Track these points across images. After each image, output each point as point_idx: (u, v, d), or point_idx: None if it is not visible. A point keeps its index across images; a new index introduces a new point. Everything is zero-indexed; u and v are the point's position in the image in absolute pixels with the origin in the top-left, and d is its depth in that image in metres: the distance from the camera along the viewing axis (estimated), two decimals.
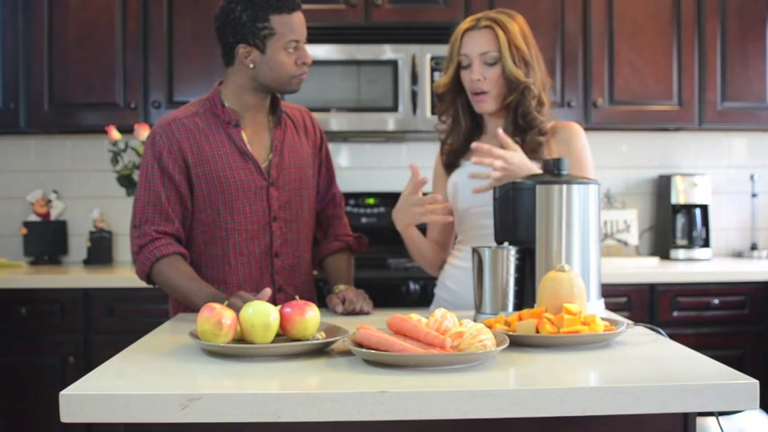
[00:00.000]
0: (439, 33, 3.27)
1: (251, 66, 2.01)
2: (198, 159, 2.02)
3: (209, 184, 2.03)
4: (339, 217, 2.28)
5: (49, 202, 3.65)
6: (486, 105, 2.09)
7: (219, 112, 2.06)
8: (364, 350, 1.38)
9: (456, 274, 2.17)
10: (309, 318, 1.52)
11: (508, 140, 1.92)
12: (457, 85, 2.13)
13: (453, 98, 2.15)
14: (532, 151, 2.06)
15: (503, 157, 1.88)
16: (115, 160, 3.37)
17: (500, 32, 2.04)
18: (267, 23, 1.97)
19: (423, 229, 2.21)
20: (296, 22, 2.00)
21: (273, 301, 2.05)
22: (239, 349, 1.45)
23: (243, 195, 2.04)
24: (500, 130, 1.95)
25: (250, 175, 2.05)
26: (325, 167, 2.26)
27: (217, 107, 2.07)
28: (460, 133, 2.17)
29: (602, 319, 1.61)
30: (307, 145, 2.18)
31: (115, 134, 3.31)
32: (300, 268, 2.15)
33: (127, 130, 3.33)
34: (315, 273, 2.27)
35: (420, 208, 2.00)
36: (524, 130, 2.08)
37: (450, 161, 2.20)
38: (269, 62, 2.00)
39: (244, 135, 2.07)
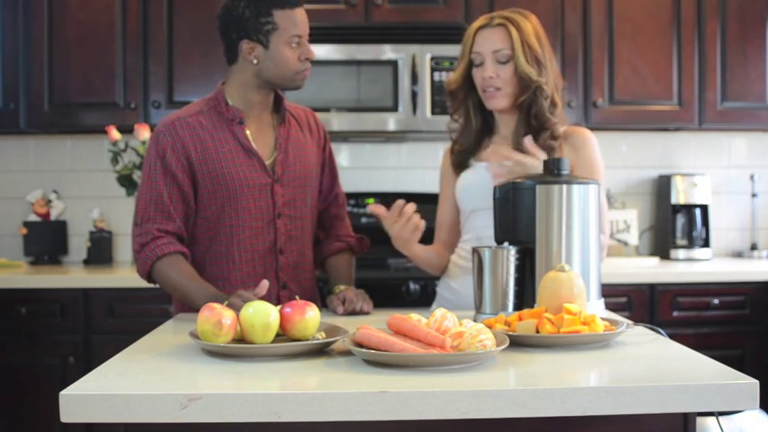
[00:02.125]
0: (439, 33, 3.27)
1: (255, 62, 2.02)
2: (202, 157, 2.03)
3: (213, 181, 2.03)
4: (341, 217, 2.29)
5: (49, 202, 3.65)
6: (497, 102, 2.08)
7: (223, 110, 2.07)
8: (364, 350, 1.38)
9: (459, 274, 2.16)
10: (309, 318, 1.52)
11: (535, 151, 1.94)
12: (468, 83, 2.12)
13: (465, 96, 2.15)
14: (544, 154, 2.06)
15: (520, 163, 1.90)
16: (115, 160, 3.37)
17: (513, 30, 2.03)
18: (270, 18, 1.98)
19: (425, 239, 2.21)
20: (298, 18, 2.01)
21: (277, 298, 2.06)
22: (239, 349, 1.45)
23: (247, 192, 2.04)
24: (527, 139, 1.95)
25: (254, 173, 2.05)
26: (329, 167, 2.26)
27: (221, 105, 2.07)
28: (471, 133, 2.17)
29: (602, 319, 1.61)
30: (311, 143, 2.19)
31: (115, 134, 3.31)
32: (304, 265, 2.16)
33: (127, 130, 3.33)
34: (316, 272, 2.27)
35: (408, 228, 1.99)
36: (537, 131, 2.07)
37: (460, 161, 2.20)
38: (273, 57, 2.01)
39: (248, 132, 2.07)
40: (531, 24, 2.07)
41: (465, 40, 2.11)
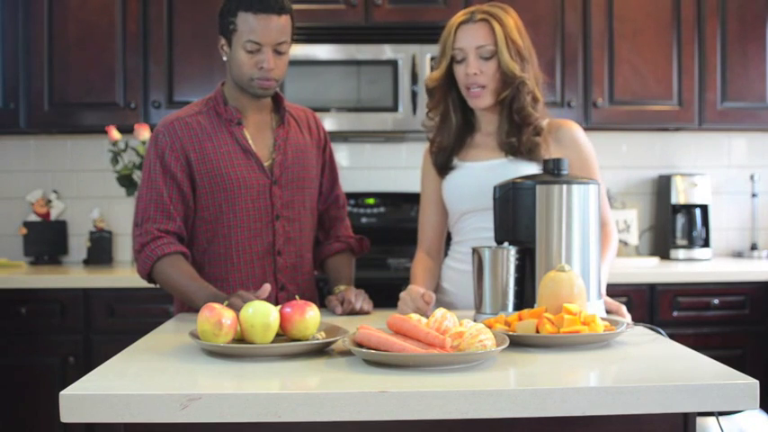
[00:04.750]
0: (439, 33, 3.24)
1: (224, 58, 2.05)
2: (200, 157, 2.03)
3: (211, 182, 2.03)
4: (341, 218, 2.28)
5: (49, 202, 3.65)
6: (481, 101, 2.04)
7: (222, 110, 2.07)
8: (364, 350, 1.38)
9: (452, 276, 2.15)
10: (309, 318, 1.52)
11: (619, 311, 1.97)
12: (449, 80, 2.07)
13: (444, 94, 2.09)
14: (530, 151, 2.03)
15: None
16: (115, 160, 3.37)
17: (496, 25, 2.00)
18: (233, 18, 1.98)
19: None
20: (260, 24, 1.95)
21: (276, 299, 2.05)
22: (239, 349, 1.45)
23: (245, 193, 2.04)
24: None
25: (253, 173, 2.05)
26: (329, 168, 2.25)
27: (219, 106, 2.08)
28: (451, 131, 2.11)
29: (602, 319, 1.61)
30: (310, 145, 2.18)
31: (115, 134, 3.31)
32: (303, 267, 2.16)
33: (127, 130, 3.33)
34: (315, 273, 2.27)
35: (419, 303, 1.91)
36: (519, 127, 2.04)
37: (442, 162, 2.13)
38: (233, 58, 2.02)
39: (246, 133, 2.07)
40: (512, 19, 2.03)
41: (446, 37, 2.05)
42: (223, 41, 2.03)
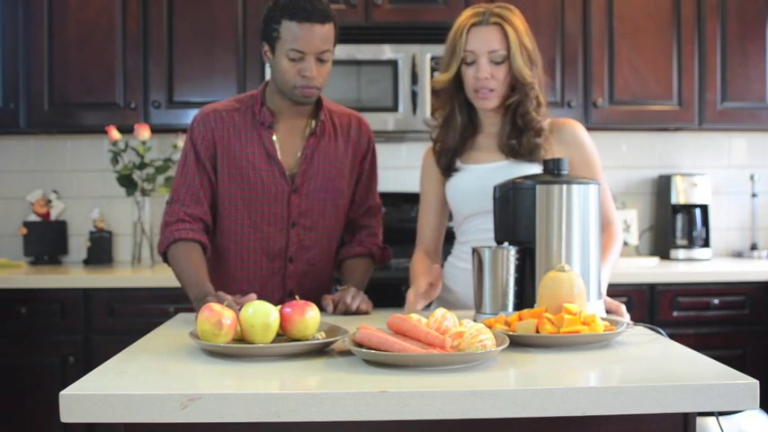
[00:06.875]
0: (439, 33, 3.24)
1: (268, 64, 2.07)
2: (225, 153, 2.06)
3: (230, 178, 2.06)
4: (370, 227, 2.25)
5: (49, 202, 3.65)
6: (490, 102, 2.03)
7: (257, 110, 2.08)
8: (364, 350, 1.38)
9: (456, 275, 2.15)
10: (309, 318, 1.52)
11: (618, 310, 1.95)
12: (457, 81, 2.06)
13: (451, 95, 2.08)
14: (530, 153, 2.03)
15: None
16: (115, 160, 3.38)
17: (510, 30, 1.98)
18: (277, 26, 1.97)
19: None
20: (304, 34, 1.95)
21: (281, 303, 2.05)
22: (239, 349, 1.45)
23: (262, 197, 2.06)
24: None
25: (273, 179, 2.06)
26: (367, 177, 2.22)
27: (256, 105, 2.09)
28: (456, 131, 2.10)
29: (602, 319, 1.61)
30: (344, 153, 2.15)
31: (115, 134, 3.31)
32: (313, 275, 2.15)
33: (127, 130, 3.33)
34: (335, 275, 2.26)
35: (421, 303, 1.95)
36: (521, 130, 2.04)
37: (446, 163, 2.13)
38: (275, 65, 2.02)
39: (275, 138, 2.08)
40: (521, 21, 2.03)
41: (456, 38, 2.02)
42: (266, 47, 2.02)
